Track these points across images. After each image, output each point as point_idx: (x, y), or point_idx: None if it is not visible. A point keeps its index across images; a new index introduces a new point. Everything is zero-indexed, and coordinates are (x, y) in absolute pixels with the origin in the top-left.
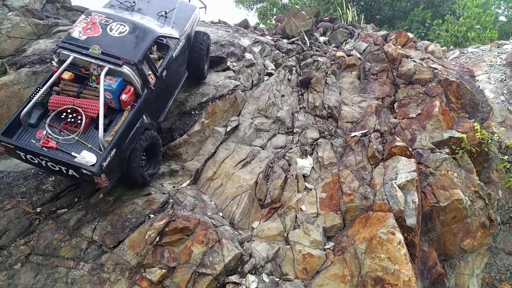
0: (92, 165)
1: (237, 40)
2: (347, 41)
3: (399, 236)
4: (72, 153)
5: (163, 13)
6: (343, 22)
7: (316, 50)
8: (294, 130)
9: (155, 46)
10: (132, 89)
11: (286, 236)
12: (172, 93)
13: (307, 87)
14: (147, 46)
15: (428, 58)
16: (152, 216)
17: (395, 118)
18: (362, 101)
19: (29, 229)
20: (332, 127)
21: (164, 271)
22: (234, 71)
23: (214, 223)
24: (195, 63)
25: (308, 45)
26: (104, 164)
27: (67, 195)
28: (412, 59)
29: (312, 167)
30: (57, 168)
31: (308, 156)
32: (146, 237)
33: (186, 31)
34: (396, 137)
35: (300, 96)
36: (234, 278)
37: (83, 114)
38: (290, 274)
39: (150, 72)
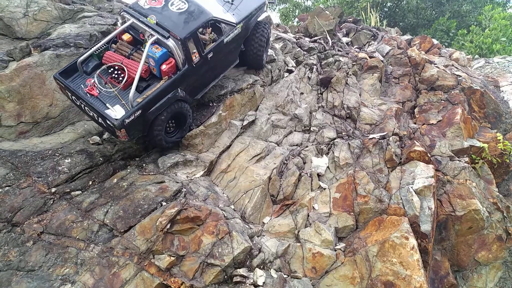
0: (116, 119)
1: None
2: (370, 43)
3: (412, 241)
4: (107, 105)
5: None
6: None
7: (338, 50)
8: (311, 129)
9: (210, 28)
10: (174, 62)
11: (297, 234)
12: (216, 76)
13: (327, 86)
14: (198, 26)
15: (452, 65)
16: (164, 203)
17: (415, 123)
18: (382, 104)
19: (43, 208)
20: (350, 127)
21: (172, 258)
22: None
23: (225, 215)
24: (254, 52)
25: (330, 44)
26: (127, 121)
27: (82, 178)
28: (436, 65)
29: (327, 167)
30: (91, 114)
31: (324, 155)
32: (157, 224)
33: (245, 21)
34: (415, 141)
35: (319, 95)
36: (242, 271)
37: (127, 73)
38: (298, 271)
39: (195, 50)
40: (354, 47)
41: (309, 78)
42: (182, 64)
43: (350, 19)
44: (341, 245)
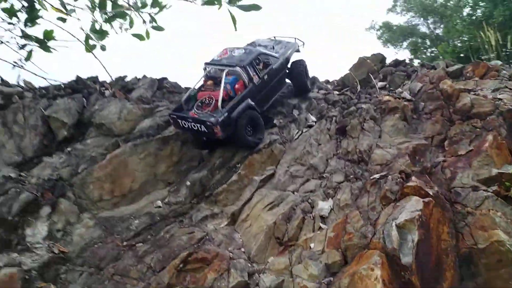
0: (214, 120)
1: (287, 99)
2: (405, 83)
3: (377, 272)
4: (206, 120)
5: (272, 45)
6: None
7: (365, 97)
8: (324, 175)
9: (262, 63)
10: (242, 82)
11: (291, 270)
12: (273, 93)
13: (344, 134)
14: (252, 58)
15: (505, 86)
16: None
17: (445, 156)
18: (404, 142)
19: (117, 257)
20: (360, 170)
21: None
22: (279, 127)
23: (231, 256)
24: (298, 79)
25: (356, 94)
26: (220, 119)
27: (144, 233)
28: (474, 92)
29: (332, 209)
30: (196, 127)
31: (330, 199)
32: (172, 264)
33: (284, 55)
34: (413, 177)
35: (338, 143)
36: None
37: (214, 99)
38: None
39: (254, 74)
40: (388, 90)
41: (328, 129)
42: (248, 83)
43: (392, 62)
44: (328, 279)
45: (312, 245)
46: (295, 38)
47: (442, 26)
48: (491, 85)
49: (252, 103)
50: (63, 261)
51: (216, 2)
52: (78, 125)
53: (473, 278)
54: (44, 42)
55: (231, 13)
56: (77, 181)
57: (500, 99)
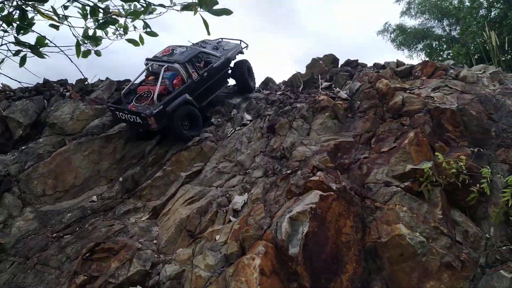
0: (148, 112)
1: (228, 100)
2: (347, 83)
3: (257, 261)
4: (141, 112)
5: (216, 45)
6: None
7: (304, 97)
8: (248, 171)
9: (203, 62)
10: (180, 78)
11: (192, 260)
12: (213, 90)
13: (274, 132)
14: (192, 55)
15: (446, 85)
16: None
17: (370, 153)
18: (330, 140)
19: (44, 248)
20: (279, 166)
21: (85, 278)
22: (216, 125)
23: (139, 247)
24: (241, 78)
25: (295, 94)
26: (154, 112)
27: (73, 225)
28: (410, 91)
29: (246, 203)
30: (132, 119)
31: (246, 193)
32: (82, 254)
33: (225, 54)
34: (318, 172)
35: (268, 141)
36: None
37: (152, 93)
38: None
39: (193, 70)
40: (331, 89)
41: (261, 127)
42: (186, 79)
43: (343, 63)
44: (222, 268)
45: (217, 237)
46: (240, 41)
47: (458, 28)
48: (433, 84)
49: (190, 97)
50: None
51: (192, 8)
52: (36, 125)
53: (378, 272)
54: (36, 48)
55: (203, 18)
56: (23, 177)
57: (431, 97)
